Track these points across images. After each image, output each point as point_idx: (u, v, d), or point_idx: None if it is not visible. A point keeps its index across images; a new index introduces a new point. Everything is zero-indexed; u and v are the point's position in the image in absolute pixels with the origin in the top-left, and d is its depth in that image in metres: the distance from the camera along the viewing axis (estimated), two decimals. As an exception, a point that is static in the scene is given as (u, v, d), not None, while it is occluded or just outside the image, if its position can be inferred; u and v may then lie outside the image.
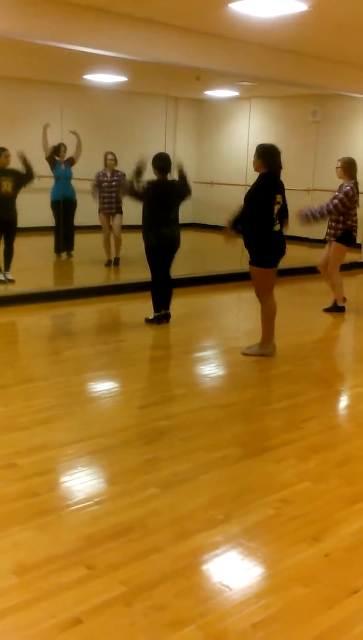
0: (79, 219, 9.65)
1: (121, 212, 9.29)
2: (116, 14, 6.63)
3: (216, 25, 7.05)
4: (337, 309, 7.36)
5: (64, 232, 9.40)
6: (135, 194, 6.29)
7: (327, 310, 7.36)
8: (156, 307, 6.51)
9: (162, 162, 6.26)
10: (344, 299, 7.39)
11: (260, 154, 5.29)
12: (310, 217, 6.93)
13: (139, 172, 6.31)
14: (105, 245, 9.49)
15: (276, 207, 5.26)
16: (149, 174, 6.37)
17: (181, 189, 6.35)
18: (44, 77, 9.76)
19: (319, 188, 9.97)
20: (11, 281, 7.71)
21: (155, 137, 8.21)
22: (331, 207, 6.97)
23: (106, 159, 9.14)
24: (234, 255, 8.95)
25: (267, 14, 6.35)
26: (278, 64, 8.38)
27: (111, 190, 9.17)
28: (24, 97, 10.20)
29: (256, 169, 5.34)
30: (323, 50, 8.29)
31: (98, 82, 10.01)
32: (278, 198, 5.27)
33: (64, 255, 9.56)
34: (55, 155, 9.20)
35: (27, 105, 10.09)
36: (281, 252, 5.43)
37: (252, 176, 5.49)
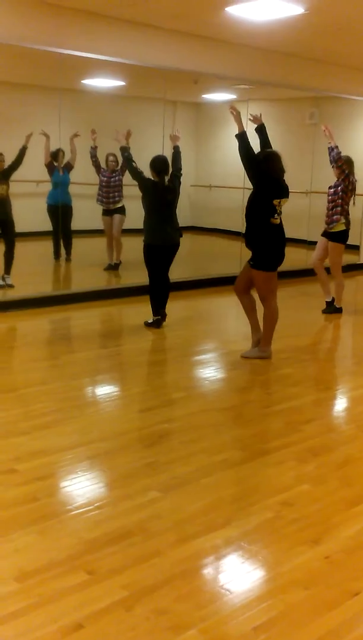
0: (81, 223, 9.66)
1: (121, 213, 9.32)
2: (114, 19, 6.66)
3: (213, 29, 7.07)
4: (335, 310, 7.39)
5: (61, 237, 9.41)
6: (134, 168, 6.29)
7: (325, 312, 7.39)
8: (155, 311, 6.52)
9: (160, 164, 6.29)
10: (333, 299, 7.42)
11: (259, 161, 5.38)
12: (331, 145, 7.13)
13: (129, 158, 6.37)
14: (108, 248, 9.52)
15: (280, 206, 5.33)
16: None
17: (173, 164, 6.39)
18: (42, 82, 9.77)
19: (317, 190, 9.97)
20: (10, 286, 7.71)
21: (153, 140, 8.20)
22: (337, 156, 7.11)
23: (107, 160, 9.24)
24: (233, 258, 8.96)
25: (264, 17, 6.37)
26: (275, 66, 8.41)
27: (109, 187, 9.24)
28: (22, 102, 10.21)
29: None
30: (320, 52, 8.31)
31: (96, 86, 10.03)
32: (283, 201, 5.34)
33: (63, 259, 9.57)
34: (54, 160, 9.24)
35: (25, 110, 10.09)
36: (282, 254, 5.47)
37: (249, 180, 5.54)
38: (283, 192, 5.36)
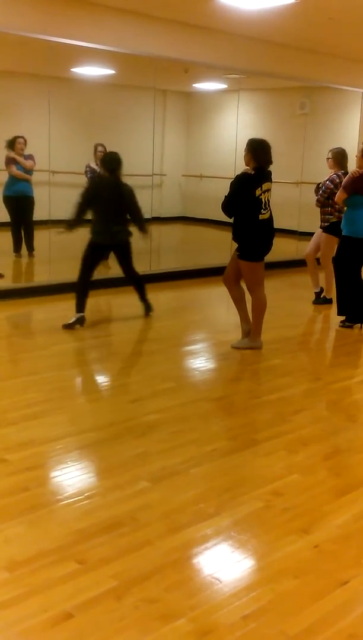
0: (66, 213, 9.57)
1: None
2: (104, 6, 6.61)
3: (204, 18, 7.03)
4: (324, 300, 7.41)
5: (20, 229, 8.99)
6: (77, 219, 6.10)
7: (315, 302, 7.41)
8: (79, 308, 6.10)
9: (112, 163, 6.10)
10: (322, 290, 7.45)
11: (249, 148, 5.32)
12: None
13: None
14: None
15: (266, 195, 5.28)
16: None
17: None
18: (31, 70, 9.70)
19: (308, 181, 9.97)
20: (0, 276, 7.67)
21: (143, 130, 8.18)
22: (319, 196, 7.10)
23: (95, 150, 9.12)
24: (223, 248, 8.95)
25: (255, 6, 6.34)
26: (266, 56, 8.37)
27: None
28: (11, 91, 10.13)
29: (246, 163, 5.37)
30: (311, 42, 8.29)
31: (86, 75, 9.96)
32: (266, 186, 5.29)
33: (25, 254, 9.06)
34: (10, 149, 8.65)
35: (14, 99, 10.02)
36: (268, 245, 5.47)
37: (240, 169, 5.51)
38: (264, 178, 5.29)
